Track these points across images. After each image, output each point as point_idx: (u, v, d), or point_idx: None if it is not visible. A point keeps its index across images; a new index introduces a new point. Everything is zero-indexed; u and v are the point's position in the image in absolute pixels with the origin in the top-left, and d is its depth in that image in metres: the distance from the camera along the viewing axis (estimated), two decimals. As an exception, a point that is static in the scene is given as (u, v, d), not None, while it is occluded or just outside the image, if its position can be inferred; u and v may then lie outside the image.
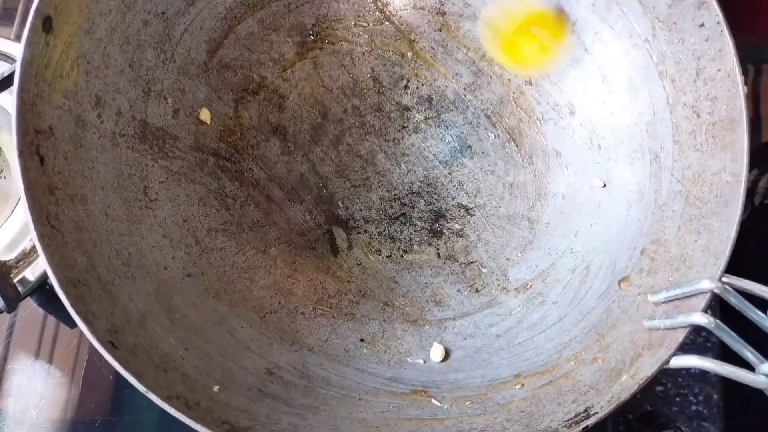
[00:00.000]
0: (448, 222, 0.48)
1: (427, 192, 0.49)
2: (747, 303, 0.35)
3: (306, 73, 0.50)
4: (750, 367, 0.33)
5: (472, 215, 0.48)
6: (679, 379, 0.35)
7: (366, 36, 0.51)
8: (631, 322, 0.39)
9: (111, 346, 0.34)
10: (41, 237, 0.35)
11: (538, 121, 0.49)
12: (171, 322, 0.39)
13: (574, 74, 0.47)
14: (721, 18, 0.40)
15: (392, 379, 0.42)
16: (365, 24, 0.51)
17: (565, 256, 0.45)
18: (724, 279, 0.35)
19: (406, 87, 0.50)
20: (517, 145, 0.49)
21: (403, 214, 0.48)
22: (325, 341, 0.44)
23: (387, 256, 0.47)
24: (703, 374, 0.43)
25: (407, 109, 0.50)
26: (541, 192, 0.48)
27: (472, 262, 0.47)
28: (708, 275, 0.37)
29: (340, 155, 0.49)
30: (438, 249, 0.48)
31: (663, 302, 0.39)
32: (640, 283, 0.41)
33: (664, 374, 0.34)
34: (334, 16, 0.50)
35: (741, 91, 0.40)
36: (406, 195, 0.49)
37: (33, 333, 0.48)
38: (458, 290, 0.46)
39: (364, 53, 0.50)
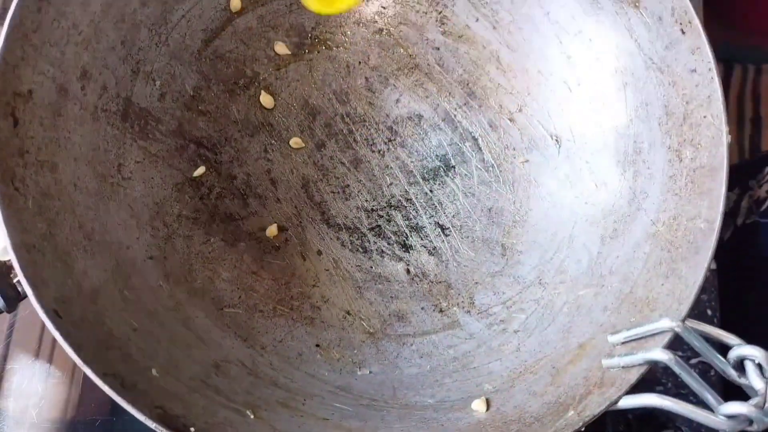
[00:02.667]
0: (422, 239, 0.48)
1: (405, 207, 0.49)
2: (708, 346, 0.34)
3: (300, 74, 0.50)
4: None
5: (447, 235, 0.48)
6: (680, 379, 0.34)
7: (365, 45, 0.51)
8: (588, 360, 0.39)
9: (55, 315, 0.34)
10: (2, 197, 0.35)
11: (524, 150, 0.49)
12: (124, 301, 0.39)
13: (564, 106, 0.47)
14: (713, 65, 0.40)
15: (341, 388, 0.41)
16: (365, 33, 0.51)
17: (533, 286, 0.45)
18: (687, 322, 0.35)
19: (397, 101, 0.50)
20: (500, 171, 0.49)
21: (378, 226, 0.48)
22: (280, 342, 0.43)
23: (356, 266, 0.47)
24: (703, 374, 0.42)
25: (396, 122, 0.50)
26: (518, 220, 0.47)
27: (440, 282, 0.47)
28: (669, 317, 0.36)
29: (323, 160, 0.49)
30: (408, 264, 0.47)
31: (622, 343, 0.38)
32: (602, 321, 0.40)
33: (665, 374, 0.34)
34: (335, 21, 0.50)
35: (725, 139, 0.39)
36: (384, 207, 0.49)
37: (33, 333, 0.48)
38: (422, 308, 0.46)
39: (360, 62, 0.51)
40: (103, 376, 0.33)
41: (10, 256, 0.34)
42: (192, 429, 0.34)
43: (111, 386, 0.33)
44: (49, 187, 0.38)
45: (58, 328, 0.34)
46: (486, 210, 0.48)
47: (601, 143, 0.46)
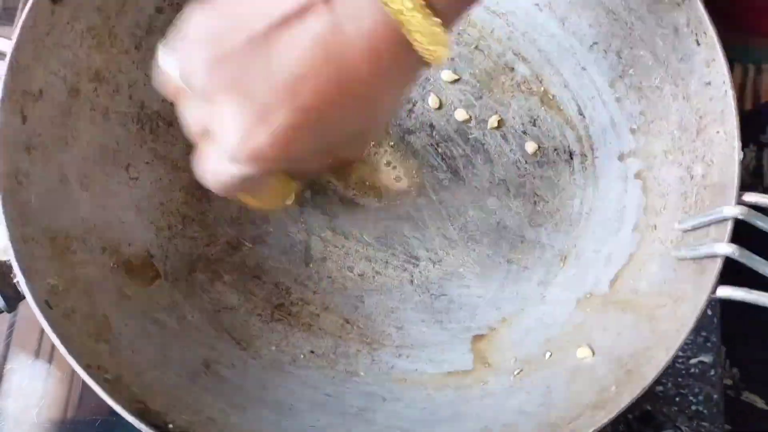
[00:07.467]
0: (427, 251, 0.47)
1: (413, 217, 0.48)
2: None
3: (313, 82, 0.50)
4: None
5: (453, 248, 0.47)
6: (679, 379, 0.33)
7: (379, 55, 0.51)
8: (581, 382, 0.37)
9: (45, 306, 0.35)
10: (4, 189, 0.36)
11: (536, 163, 0.47)
12: (119, 297, 0.40)
13: (577, 120, 0.46)
14: (727, 78, 0.38)
15: (330, 396, 0.41)
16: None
17: (533, 304, 0.43)
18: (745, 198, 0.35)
19: (411, 111, 0.50)
20: (510, 185, 0.48)
21: (385, 236, 0.48)
22: (275, 347, 0.43)
23: (359, 275, 0.47)
24: (703, 373, 0.41)
25: (409, 132, 0.50)
26: (525, 235, 0.46)
27: (443, 295, 0.46)
28: (665, 345, 0.35)
29: (333, 168, 0.49)
30: (412, 276, 0.46)
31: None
32: (600, 342, 0.38)
33: (664, 373, 0.33)
34: (350, 31, 0.50)
35: (737, 156, 0.37)
36: (393, 218, 0.48)
37: (33, 333, 0.48)
38: (422, 320, 0.45)
39: (374, 71, 0.50)
40: (86, 368, 0.34)
41: (9, 252, 0.35)
42: (170, 426, 0.34)
43: (94, 378, 0.34)
44: (54, 183, 0.39)
45: (47, 318, 0.34)
46: (494, 224, 0.47)
47: (615, 158, 0.44)
